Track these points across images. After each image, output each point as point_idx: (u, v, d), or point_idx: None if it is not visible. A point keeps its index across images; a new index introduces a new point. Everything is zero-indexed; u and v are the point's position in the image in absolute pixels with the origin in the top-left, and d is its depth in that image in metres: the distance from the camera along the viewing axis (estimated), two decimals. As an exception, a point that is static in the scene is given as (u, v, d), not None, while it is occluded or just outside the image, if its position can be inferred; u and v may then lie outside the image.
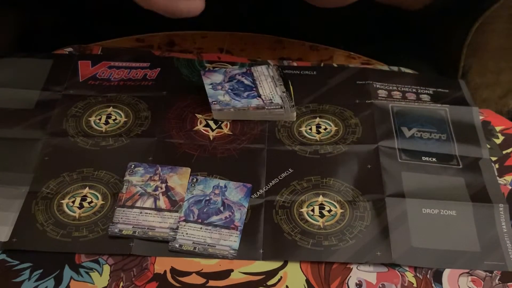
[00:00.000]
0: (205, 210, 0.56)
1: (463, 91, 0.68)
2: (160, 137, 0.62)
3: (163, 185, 0.57)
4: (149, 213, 0.55)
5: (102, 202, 0.56)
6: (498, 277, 0.52)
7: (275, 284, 0.52)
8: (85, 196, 0.57)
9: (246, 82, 0.65)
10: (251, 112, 0.63)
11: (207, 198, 0.57)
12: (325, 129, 0.63)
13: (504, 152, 0.62)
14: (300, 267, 0.53)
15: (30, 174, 0.58)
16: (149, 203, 0.56)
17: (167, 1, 0.54)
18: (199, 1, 0.55)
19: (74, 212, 0.56)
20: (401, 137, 0.62)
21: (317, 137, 0.62)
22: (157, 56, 0.71)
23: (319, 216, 0.56)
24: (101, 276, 0.52)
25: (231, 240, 0.54)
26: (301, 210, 0.56)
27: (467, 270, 0.53)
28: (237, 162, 0.60)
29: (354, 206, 0.56)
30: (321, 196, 0.57)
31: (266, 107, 0.63)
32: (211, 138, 0.62)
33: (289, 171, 0.59)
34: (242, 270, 0.52)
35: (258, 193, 0.57)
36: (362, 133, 0.62)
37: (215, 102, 0.63)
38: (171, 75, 0.68)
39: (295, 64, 0.71)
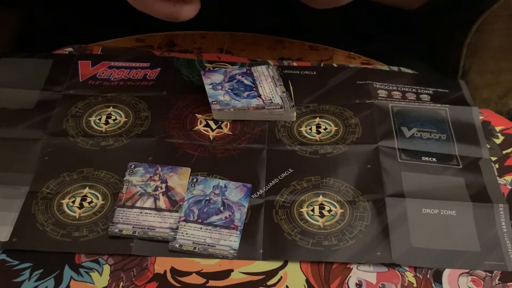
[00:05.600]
0: (205, 210, 0.56)
1: (463, 91, 0.68)
2: (160, 137, 0.62)
3: (163, 185, 0.57)
4: (149, 213, 0.55)
5: (102, 202, 0.56)
6: (498, 277, 0.52)
7: (275, 284, 0.52)
8: (85, 196, 0.57)
9: (246, 82, 0.65)
10: (251, 112, 0.63)
11: (207, 198, 0.57)
12: (325, 129, 0.63)
13: (504, 152, 0.62)
14: (300, 267, 0.53)
15: (30, 174, 0.58)
16: (149, 203, 0.56)
17: (168, 8, 0.55)
18: (196, 3, 0.55)
19: (74, 212, 0.56)
20: (401, 137, 0.62)
21: (317, 137, 0.62)
22: (157, 56, 0.71)
23: (319, 216, 0.56)
24: (101, 276, 0.52)
25: (231, 240, 0.54)
26: (301, 210, 0.56)
27: (467, 270, 0.53)
28: (237, 162, 0.60)
29: (354, 206, 0.56)
30: (321, 196, 0.57)
31: (266, 107, 0.63)
32: (211, 138, 0.62)
33: (289, 171, 0.59)
34: (242, 270, 0.52)
35: (258, 193, 0.57)
36: (362, 133, 0.62)
37: (215, 102, 0.63)
38: (171, 75, 0.68)
39: (295, 64, 0.71)
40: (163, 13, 0.55)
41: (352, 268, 0.53)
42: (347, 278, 0.52)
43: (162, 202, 0.56)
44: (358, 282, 0.52)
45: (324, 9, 0.59)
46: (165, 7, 0.55)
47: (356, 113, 0.64)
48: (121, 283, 0.51)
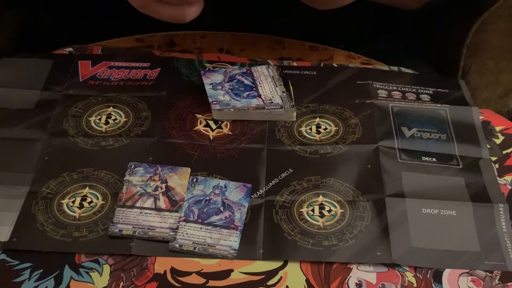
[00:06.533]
0: (205, 210, 0.56)
1: (463, 91, 0.68)
2: (160, 137, 0.62)
3: (163, 185, 0.57)
4: (149, 213, 0.55)
5: (102, 202, 0.56)
6: (498, 277, 0.52)
7: (275, 284, 0.52)
8: (85, 196, 0.57)
9: (246, 82, 0.65)
10: (251, 112, 0.63)
11: (207, 198, 0.57)
12: (325, 129, 0.63)
13: (504, 152, 0.62)
14: (300, 267, 0.53)
15: (30, 174, 0.58)
16: (149, 203, 0.56)
17: (173, 11, 0.55)
18: (200, 3, 0.55)
19: (74, 212, 0.56)
20: (401, 137, 0.62)
21: (317, 137, 0.62)
22: (157, 56, 0.71)
23: (319, 216, 0.56)
24: (101, 276, 0.52)
25: (231, 240, 0.54)
26: (301, 210, 0.56)
27: (467, 270, 0.53)
28: (237, 162, 0.60)
29: (354, 206, 0.56)
30: (321, 196, 0.57)
31: (266, 107, 0.63)
32: (211, 138, 0.62)
33: (289, 171, 0.59)
34: (242, 270, 0.52)
35: (258, 193, 0.57)
36: (362, 133, 0.62)
37: (215, 102, 0.63)
38: (171, 75, 0.68)
39: (295, 64, 0.71)
40: (169, 16, 0.56)
41: (352, 268, 0.53)
42: (347, 278, 0.52)
43: (162, 202, 0.56)
44: (358, 282, 0.52)
45: (325, 9, 0.59)
46: (170, 11, 0.55)
47: (356, 113, 0.64)
48: (121, 283, 0.51)
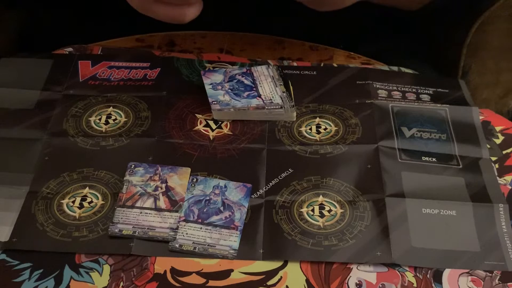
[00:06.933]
0: (205, 210, 0.56)
1: (463, 91, 0.68)
2: (160, 137, 0.62)
3: (163, 185, 0.57)
4: (149, 213, 0.55)
5: (102, 202, 0.56)
6: (498, 277, 0.52)
7: (275, 284, 0.52)
8: (85, 196, 0.57)
9: (246, 82, 0.65)
10: (251, 112, 0.63)
11: (207, 198, 0.57)
12: (325, 129, 0.63)
13: (504, 152, 0.62)
14: (300, 267, 0.53)
15: (30, 174, 0.58)
16: (149, 203, 0.56)
17: (173, 11, 0.55)
18: (199, 3, 0.55)
19: (74, 212, 0.56)
20: (401, 137, 0.62)
21: (317, 137, 0.62)
22: (157, 56, 0.71)
23: (319, 216, 0.56)
24: (101, 276, 0.52)
25: (231, 240, 0.54)
26: (301, 210, 0.56)
27: (467, 270, 0.53)
28: (237, 162, 0.60)
29: (354, 206, 0.56)
30: (321, 196, 0.57)
31: (266, 107, 0.63)
32: (211, 138, 0.62)
33: (289, 171, 0.59)
34: (242, 270, 0.52)
35: (258, 193, 0.57)
36: (362, 133, 0.62)
37: (215, 102, 0.63)
38: (171, 75, 0.68)
39: (295, 64, 0.71)
40: (168, 16, 0.56)
41: (352, 268, 0.53)
42: (347, 278, 0.52)
43: (162, 202, 0.56)
44: (358, 282, 0.52)
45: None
46: (170, 11, 0.55)
47: (356, 113, 0.64)
48: (121, 283, 0.51)
